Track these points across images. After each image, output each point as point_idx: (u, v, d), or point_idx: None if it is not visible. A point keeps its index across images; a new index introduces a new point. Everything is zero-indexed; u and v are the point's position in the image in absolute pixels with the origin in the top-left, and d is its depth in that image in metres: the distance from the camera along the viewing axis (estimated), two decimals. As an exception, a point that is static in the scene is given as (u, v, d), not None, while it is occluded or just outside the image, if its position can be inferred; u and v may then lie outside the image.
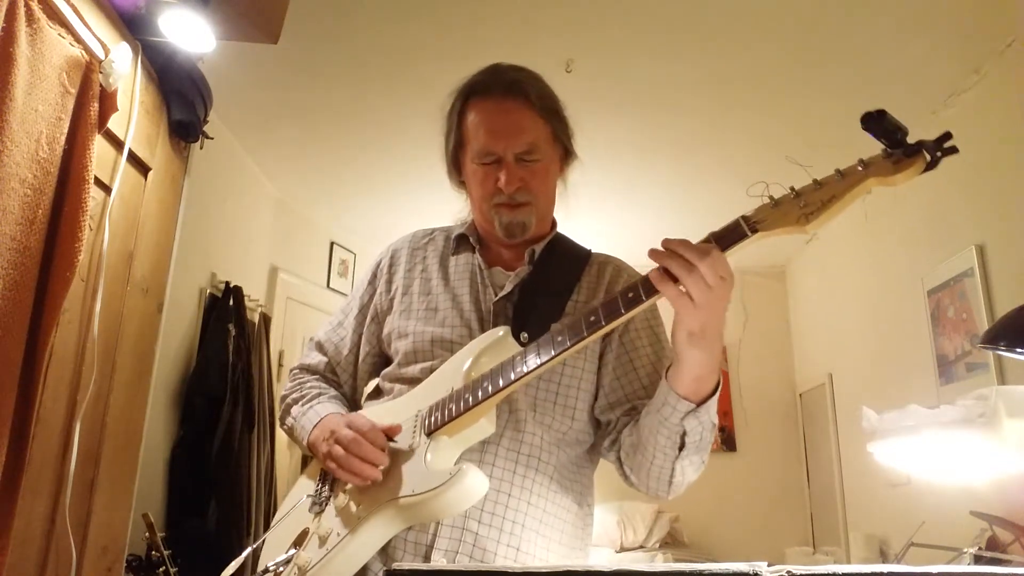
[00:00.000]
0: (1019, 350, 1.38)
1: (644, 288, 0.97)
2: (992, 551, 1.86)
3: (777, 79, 2.95)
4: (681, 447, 1.07)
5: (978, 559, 1.82)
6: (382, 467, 1.10)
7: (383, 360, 1.35)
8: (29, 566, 1.46)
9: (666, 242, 0.95)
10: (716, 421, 1.08)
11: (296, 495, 1.26)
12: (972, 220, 2.85)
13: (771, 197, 0.94)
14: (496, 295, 1.26)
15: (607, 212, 4.27)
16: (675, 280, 0.93)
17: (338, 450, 1.11)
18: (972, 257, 2.79)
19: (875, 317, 3.77)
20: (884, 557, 3.44)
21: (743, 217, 0.95)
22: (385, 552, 1.12)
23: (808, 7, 2.52)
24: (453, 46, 2.73)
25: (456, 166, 1.33)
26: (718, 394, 1.04)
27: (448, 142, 1.32)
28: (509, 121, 1.23)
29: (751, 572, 0.60)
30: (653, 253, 0.95)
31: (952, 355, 2.95)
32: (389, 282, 1.36)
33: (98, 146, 1.55)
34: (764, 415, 5.07)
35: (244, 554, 1.11)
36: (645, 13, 2.57)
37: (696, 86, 3.02)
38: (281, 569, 1.10)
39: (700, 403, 1.03)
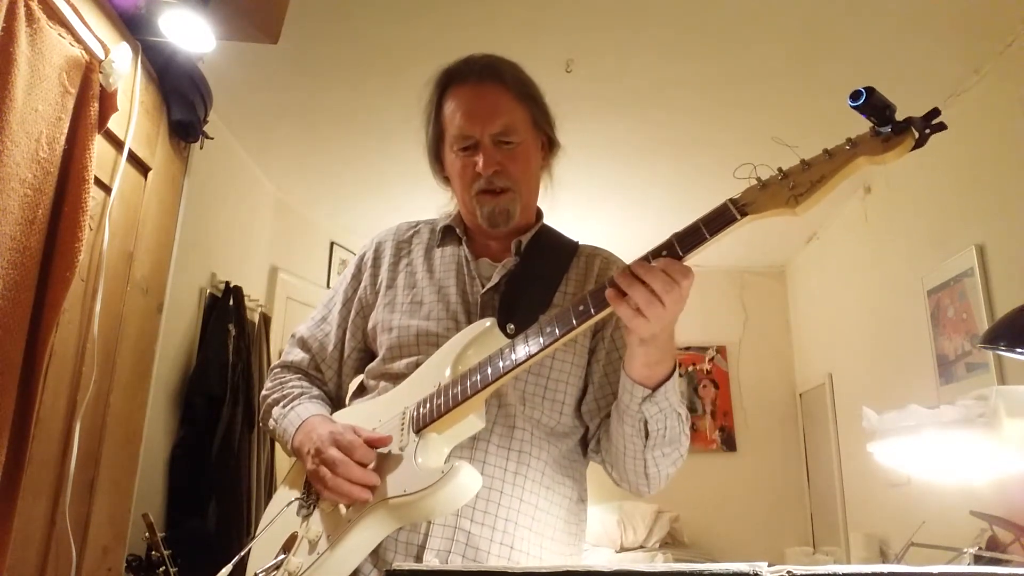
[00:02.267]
0: (1019, 350, 1.38)
1: None
2: (992, 551, 1.86)
3: (777, 79, 2.95)
4: (647, 435, 1.08)
5: (978, 559, 1.82)
6: (372, 487, 1.07)
7: (368, 355, 1.32)
8: (29, 566, 1.46)
9: (636, 267, 0.95)
10: (681, 411, 1.09)
11: (280, 500, 1.23)
12: (972, 220, 2.85)
13: (758, 179, 0.92)
14: (483, 287, 1.24)
15: (607, 212, 4.27)
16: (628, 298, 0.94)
17: (324, 472, 1.08)
18: (972, 257, 2.79)
19: (875, 317, 3.77)
20: (884, 557, 3.44)
21: (731, 200, 0.93)
22: (376, 553, 1.09)
23: (808, 7, 2.52)
24: (453, 46, 2.71)
25: (438, 160, 1.32)
26: (674, 379, 1.06)
27: (427, 135, 1.31)
28: (485, 103, 1.22)
29: (751, 572, 0.60)
30: (621, 278, 0.95)
31: (952, 355, 2.95)
32: (374, 275, 1.33)
33: (98, 146, 1.55)
34: (764, 415, 5.06)
35: (232, 563, 1.08)
36: (645, 13, 2.57)
37: (696, 86, 3.02)
38: (271, 575, 1.08)
39: (655, 388, 1.04)
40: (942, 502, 2.62)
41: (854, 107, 0.85)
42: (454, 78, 1.26)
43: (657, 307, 0.93)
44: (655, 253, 0.96)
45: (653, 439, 1.08)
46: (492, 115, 1.21)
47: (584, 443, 1.27)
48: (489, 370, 1.05)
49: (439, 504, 1.02)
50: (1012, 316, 1.44)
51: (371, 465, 1.09)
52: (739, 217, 0.91)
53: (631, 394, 1.05)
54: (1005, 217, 2.66)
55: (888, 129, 0.85)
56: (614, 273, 0.97)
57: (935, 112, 0.84)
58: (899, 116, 0.85)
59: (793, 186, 0.89)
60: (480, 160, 1.20)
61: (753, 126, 3.31)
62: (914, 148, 0.85)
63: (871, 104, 0.84)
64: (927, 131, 0.84)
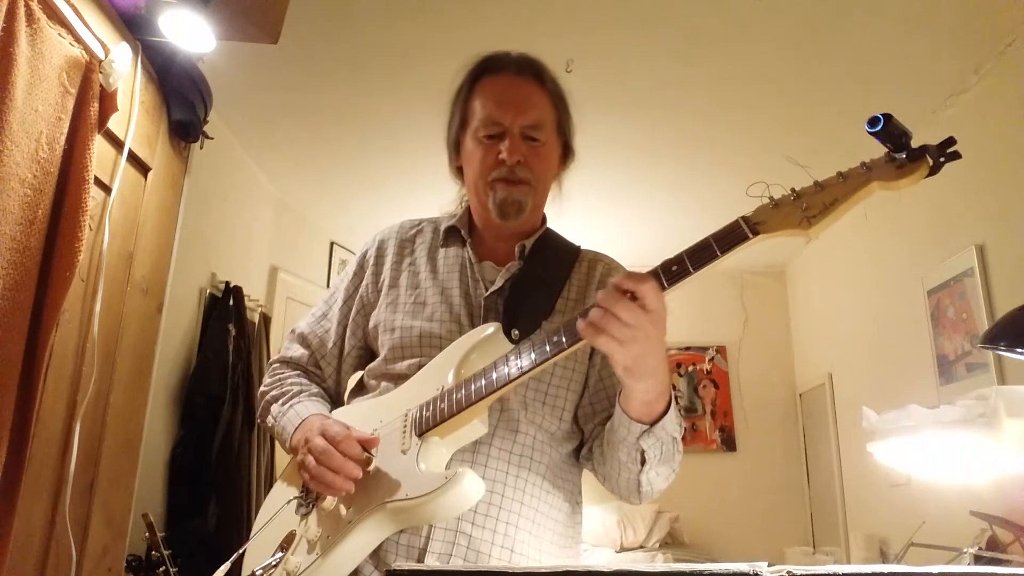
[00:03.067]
0: (1019, 350, 1.38)
1: None
2: (992, 551, 1.86)
3: (777, 79, 2.95)
4: (643, 462, 1.08)
5: (978, 559, 1.82)
6: (353, 479, 1.07)
7: (368, 354, 1.32)
8: (29, 566, 1.46)
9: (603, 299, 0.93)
10: (677, 435, 1.08)
11: (277, 497, 1.22)
12: (972, 220, 2.85)
13: (771, 198, 0.92)
14: (487, 290, 1.23)
15: (606, 212, 4.27)
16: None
17: (310, 460, 1.08)
18: (972, 257, 2.79)
19: (875, 317, 3.77)
20: (884, 557, 3.44)
21: (743, 218, 0.93)
22: (377, 555, 1.09)
23: (808, 7, 2.52)
24: (453, 46, 2.73)
25: (457, 150, 1.31)
26: (671, 413, 1.05)
27: (452, 123, 1.30)
28: (520, 94, 1.22)
29: (751, 572, 0.60)
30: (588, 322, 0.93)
31: (952, 355, 2.95)
32: (376, 274, 1.33)
33: (98, 146, 1.55)
34: (764, 415, 5.06)
35: (230, 561, 1.08)
36: (645, 13, 2.57)
37: (696, 86, 3.02)
38: (269, 573, 1.08)
39: (653, 423, 1.03)
40: (942, 502, 2.62)
41: (871, 133, 0.85)
42: (491, 67, 1.26)
43: (611, 321, 0.91)
44: (665, 268, 0.95)
45: (649, 464, 1.08)
46: (526, 107, 1.21)
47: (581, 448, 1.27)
48: (495, 376, 1.04)
49: (441, 510, 1.02)
50: (1012, 316, 1.44)
51: (362, 461, 1.09)
52: (751, 236, 0.91)
53: (628, 429, 1.04)
54: (1005, 217, 2.66)
55: (903, 156, 0.85)
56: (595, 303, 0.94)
57: (950, 141, 0.84)
58: (900, 117, 0.85)
59: (806, 207, 0.89)
60: (505, 146, 1.19)
61: (753, 126, 3.31)
62: (928, 176, 0.85)
63: (887, 131, 0.84)
64: (942, 160, 0.84)
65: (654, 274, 0.95)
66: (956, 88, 2.89)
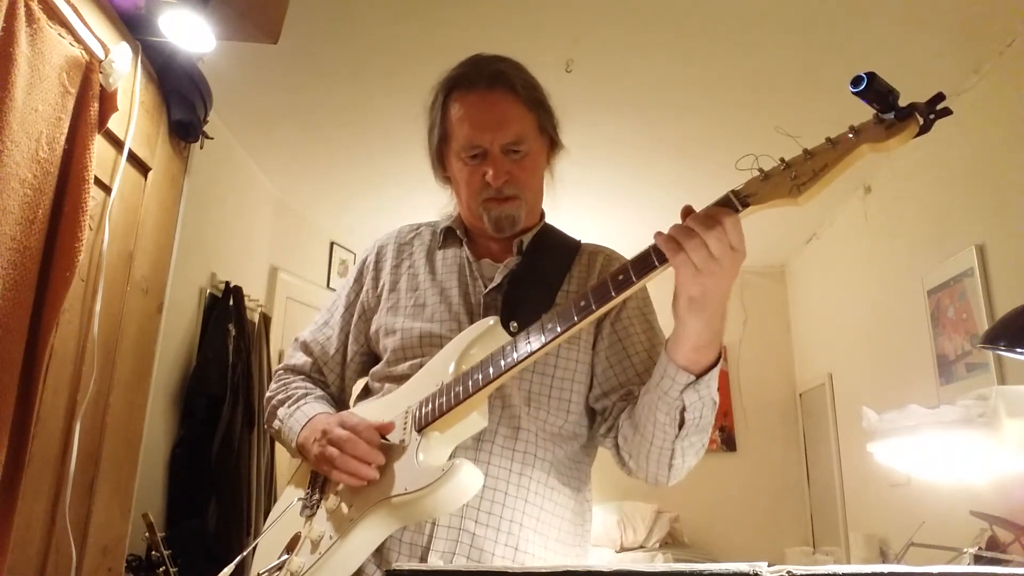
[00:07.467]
0: (1019, 350, 1.38)
1: (634, 269, 0.95)
2: (992, 551, 1.86)
3: (777, 79, 2.95)
4: (681, 424, 1.03)
5: (978, 559, 1.82)
6: (377, 465, 1.07)
7: (372, 358, 1.33)
8: (29, 566, 1.46)
9: (686, 218, 0.92)
10: (716, 399, 1.05)
11: (286, 501, 1.23)
12: (972, 220, 2.85)
13: (760, 170, 0.90)
14: (486, 287, 1.24)
15: (606, 212, 4.27)
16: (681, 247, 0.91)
17: (332, 451, 1.09)
18: (972, 257, 2.79)
19: (875, 317, 3.77)
20: (884, 557, 3.44)
21: (733, 191, 0.91)
22: (380, 554, 1.09)
23: (808, 7, 2.52)
24: (453, 46, 2.72)
25: (440, 161, 1.31)
26: (718, 368, 1.02)
27: (432, 137, 1.29)
28: (495, 113, 1.21)
29: (751, 572, 0.60)
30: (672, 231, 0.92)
31: (952, 355, 2.95)
32: (376, 279, 1.34)
33: (98, 146, 1.55)
34: (764, 415, 5.06)
35: (233, 563, 1.08)
36: (645, 13, 2.57)
37: (696, 86, 3.02)
38: (273, 575, 1.08)
39: (699, 375, 1.00)
40: (942, 502, 2.62)
41: (855, 93, 0.82)
42: (461, 82, 1.24)
43: (699, 245, 0.90)
44: (656, 249, 0.94)
45: (687, 429, 1.04)
46: (502, 125, 1.20)
47: (590, 443, 1.26)
48: (491, 368, 1.04)
49: (440, 503, 1.01)
50: (1012, 316, 1.43)
51: (382, 449, 1.09)
52: (741, 208, 0.90)
53: (673, 380, 1.00)
54: (1005, 217, 2.66)
55: (891, 115, 0.82)
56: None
57: (939, 97, 0.81)
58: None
59: (795, 176, 0.87)
60: (490, 171, 1.20)
61: (753, 126, 3.31)
62: (918, 134, 0.83)
63: (873, 90, 0.82)
64: (932, 116, 0.82)
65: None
66: (956, 88, 2.88)
